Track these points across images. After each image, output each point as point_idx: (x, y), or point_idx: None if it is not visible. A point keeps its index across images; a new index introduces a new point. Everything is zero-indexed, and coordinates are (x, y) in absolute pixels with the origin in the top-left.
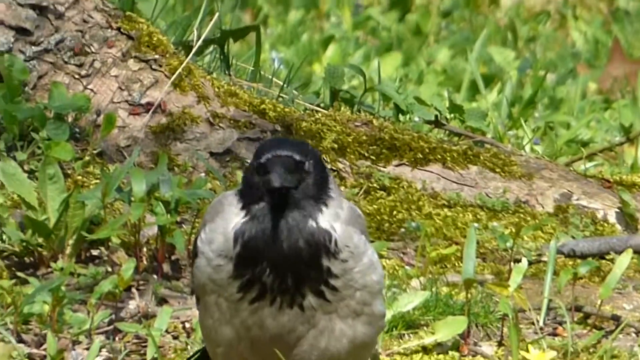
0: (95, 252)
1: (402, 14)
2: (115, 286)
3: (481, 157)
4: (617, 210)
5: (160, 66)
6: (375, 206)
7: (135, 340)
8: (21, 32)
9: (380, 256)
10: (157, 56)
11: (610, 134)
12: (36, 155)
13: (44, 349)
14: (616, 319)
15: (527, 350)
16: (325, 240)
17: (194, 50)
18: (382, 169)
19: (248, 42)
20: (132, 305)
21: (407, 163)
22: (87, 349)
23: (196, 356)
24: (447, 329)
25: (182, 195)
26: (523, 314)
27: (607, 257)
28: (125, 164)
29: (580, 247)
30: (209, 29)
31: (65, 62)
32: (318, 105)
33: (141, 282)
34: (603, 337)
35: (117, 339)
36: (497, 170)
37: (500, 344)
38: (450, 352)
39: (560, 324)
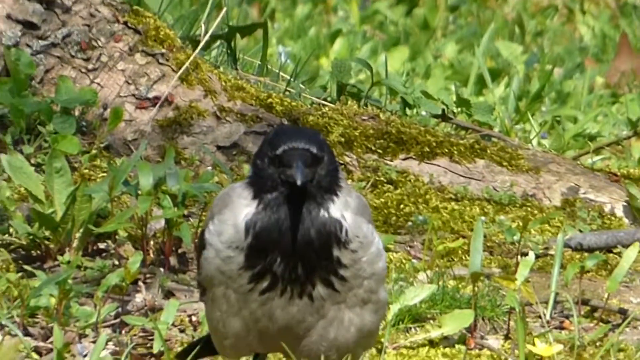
0: (102, 246)
1: (410, 8)
2: (122, 279)
3: (488, 151)
4: (625, 203)
5: (167, 60)
6: (382, 200)
7: (141, 334)
8: (28, 26)
9: (387, 249)
10: (164, 50)
11: (617, 128)
12: (43, 148)
13: (51, 342)
14: (623, 312)
15: (534, 344)
16: (337, 229)
17: (201, 44)
18: (389, 162)
19: (255, 36)
20: (139, 298)
21: (414, 157)
22: (94, 342)
23: (199, 346)
24: (454, 323)
25: (189, 188)
26: (530, 307)
27: (614, 251)
28: (132, 158)
29: (587, 240)
30: (216, 23)
31: (72, 56)
32: (325, 100)
33: (148, 276)
34: (610, 330)
35: (123, 332)
36: (504, 164)
37: (507, 337)
38: (457, 346)
39: (567, 317)
